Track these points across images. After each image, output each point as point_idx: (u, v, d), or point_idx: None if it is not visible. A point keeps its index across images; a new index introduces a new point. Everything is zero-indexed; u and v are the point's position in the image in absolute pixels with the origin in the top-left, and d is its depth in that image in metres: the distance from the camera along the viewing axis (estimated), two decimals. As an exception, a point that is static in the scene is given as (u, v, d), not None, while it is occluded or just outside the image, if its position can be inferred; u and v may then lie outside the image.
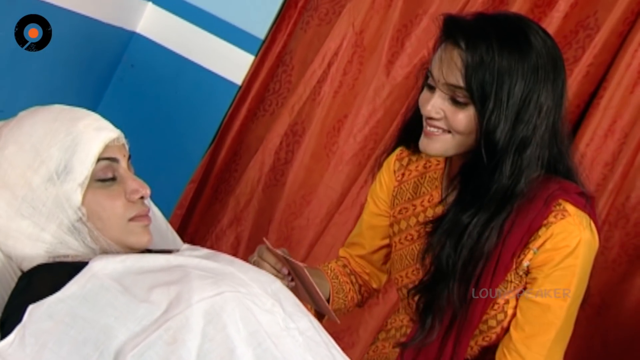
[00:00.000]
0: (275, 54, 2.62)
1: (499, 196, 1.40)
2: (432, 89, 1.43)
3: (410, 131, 1.60)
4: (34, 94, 2.28)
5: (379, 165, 1.72)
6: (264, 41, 2.61)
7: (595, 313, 2.33)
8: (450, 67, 1.39)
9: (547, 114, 1.40)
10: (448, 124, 1.42)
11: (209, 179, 2.70)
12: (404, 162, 1.66)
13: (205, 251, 1.29)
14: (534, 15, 2.41)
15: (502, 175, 1.40)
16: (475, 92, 1.37)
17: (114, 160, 1.24)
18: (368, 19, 2.56)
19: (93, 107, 2.64)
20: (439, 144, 1.45)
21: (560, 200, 1.43)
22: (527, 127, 1.39)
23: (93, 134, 1.21)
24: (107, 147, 1.22)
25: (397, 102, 2.56)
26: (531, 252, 1.43)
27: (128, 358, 1.01)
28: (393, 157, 1.68)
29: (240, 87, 2.63)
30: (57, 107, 1.26)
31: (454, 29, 1.41)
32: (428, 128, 1.45)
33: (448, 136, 1.43)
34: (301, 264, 1.42)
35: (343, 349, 2.58)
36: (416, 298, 1.54)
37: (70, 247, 1.20)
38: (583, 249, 1.42)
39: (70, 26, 2.30)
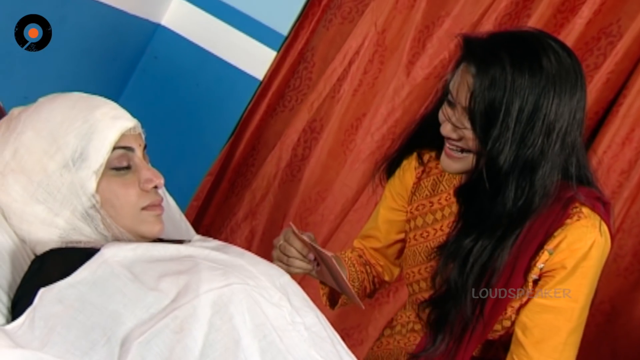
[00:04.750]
0: (297, 50, 2.62)
1: (505, 221, 1.39)
2: (452, 105, 1.43)
3: (424, 137, 1.61)
4: (58, 82, 2.30)
5: (380, 171, 1.71)
6: (286, 37, 2.61)
7: (605, 320, 2.32)
8: (462, 89, 1.39)
9: (559, 133, 1.37)
10: (466, 144, 1.42)
11: (227, 172, 2.71)
12: (425, 159, 1.65)
13: (216, 243, 1.29)
14: (556, 20, 2.39)
15: (506, 199, 1.38)
16: (478, 119, 1.36)
17: (129, 149, 1.24)
18: (390, 19, 2.55)
19: (116, 97, 2.66)
20: (460, 164, 1.45)
21: (577, 204, 1.43)
22: (534, 149, 1.36)
23: (110, 123, 1.21)
24: (123, 136, 1.23)
25: (416, 103, 2.56)
26: (546, 252, 1.43)
27: (135, 345, 1.02)
28: (414, 153, 1.67)
29: (261, 82, 2.63)
30: (76, 95, 1.26)
31: (467, 52, 1.40)
32: (448, 147, 1.45)
33: (466, 155, 1.43)
34: (329, 253, 1.42)
35: (352, 346, 2.60)
36: (427, 310, 1.53)
37: (83, 234, 1.21)
38: (596, 252, 1.42)
39: (96, 17, 2.31)
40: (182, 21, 2.66)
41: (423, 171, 1.64)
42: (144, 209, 1.24)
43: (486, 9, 2.45)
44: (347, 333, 2.68)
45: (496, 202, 1.38)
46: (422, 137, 1.63)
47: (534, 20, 2.38)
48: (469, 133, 1.39)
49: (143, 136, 1.29)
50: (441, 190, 1.60)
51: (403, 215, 1.68)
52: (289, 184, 2.68)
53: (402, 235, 1.70)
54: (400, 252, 1.73)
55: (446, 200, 1.59)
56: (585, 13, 2.34)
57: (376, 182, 1.71)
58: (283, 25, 2.61)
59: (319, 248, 1.44)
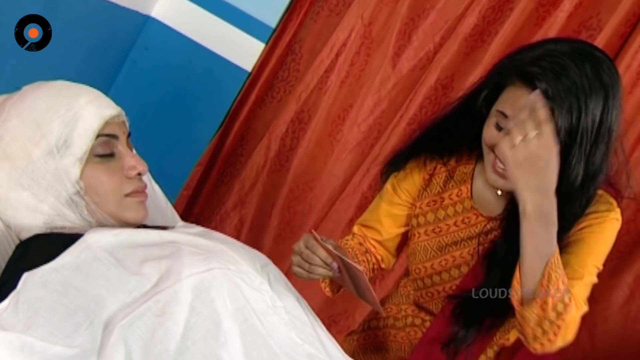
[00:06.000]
0: (285, 42, 2.62)
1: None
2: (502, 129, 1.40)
3: (440, 141, 1.61)
4: (49, 74, 2.27)
5: (384, 168, 1.70)
6: (274, 30, 2.60)
7: (584, 306, 2.34)
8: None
9: (615, 140, 1.40)
10: None
11: (216, 162, 2.71)
12: (438, 153, 1.64)
13: (199, 229, 1.29)
14: (538, 14, 2.40)
15: (571, 210, 1.39)
16: (566, 140, 1.35)
17: (113, 136, 1.24)
18: (377, 12, 2.55)
19: (107, 88, 2.66)
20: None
21: (598, 191, 1.45)
22: (599, 160, 1.38)
23: (93, 111, 1.21)
24: (106, 124, 1.22)
25: (402, 94, 2.57)
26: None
27: (117, 328, 1.02)
28: (423, 155, 1.66)
29: (250, 73, 2.62)
30: (60, 83, 1.27)
31: (530, 76, 1.35)
32: (501, 168, 1.41)
33: None
34: (360, 268, 1.37)
35: (339, 332, 2.61)
36: (453, 303, 1.54)
37: (68, 219, 1.21)
38: (612, 225, 1.45)
39: (87, 9, 2.31)
40: (172, 13, 2.65)
41: (435, 167, 1.63)
42: (127, 195, 1.24)
43: (470, 2, 2.45)
44: (334, 320, 2.70)
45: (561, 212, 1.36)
46: (436, 142, 1.62)
47: (517, 14, 2.38)
48: None
49: (127, 124, 1.29)
50: (452, 186, 1.60)
51: (405, 209, 1.67)
52: (277, 173, 2.69)
53: (403, 229, 1.70)
54: (400, 244, 1.73)
55: (457, 196, 1.59)
56: (566, 7, 2.35)
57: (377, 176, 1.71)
58: (271, 17, 2.60)
59: (349, 261, 1.39)
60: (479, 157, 1.57)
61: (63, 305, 1.04)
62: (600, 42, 2.31)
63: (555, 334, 1.39)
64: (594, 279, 1.47)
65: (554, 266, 1.35)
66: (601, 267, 1.48)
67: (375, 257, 1.74)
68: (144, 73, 2.69)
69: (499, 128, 1.41)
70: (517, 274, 1.39)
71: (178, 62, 2.68)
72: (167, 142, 2.69)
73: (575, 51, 1.37)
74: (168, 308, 1.05)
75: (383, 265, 1.77)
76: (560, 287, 1.36)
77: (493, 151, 1.43)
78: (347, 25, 2.56)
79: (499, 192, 1.53)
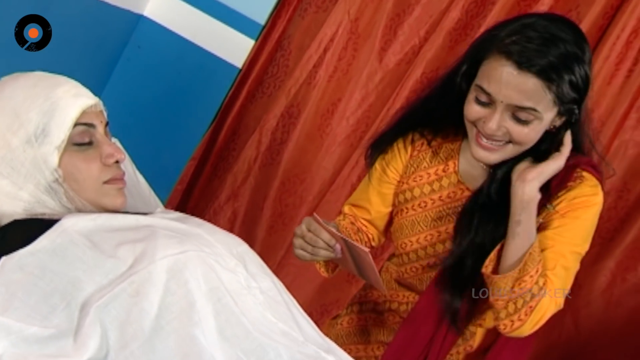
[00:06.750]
0: (275, 39, 2.64)
1: None
2: (485, 105, 1.42)
3: (424, 120, 1.63)
4: (45, 71, 2.33)
5: (369, 150, 1.71)
6: (264, 27, 2.63)
7: (568, 292, 2.37)
8: (522, 92, 1.37)
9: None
10: (511, 137, 1.42)
11: (209, 157, 2.73)
12: (424, 132, 1.65)
13: (177, 214, 1.31)
14: (520, 7, 2.42)
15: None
16: (564, 111, 1.42)
17: (90, 125, 1.25)
18: (363, 7, 2.58)
19: (101, 85, 2.70)
20: (499, 154, 1.46)
21: (579, 169, 1.48)
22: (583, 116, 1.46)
23: (71, 100, 1.22)
24: (84, 113, 1.24)
25: (389, 88, 2.59)
26: (547, 207, 1.47)
27: (93, 308, 1.04)
28: (410, 134, 1.68)
29: (241, 70, 2.66)
30: (38, 74, 1.28)
31: (518, 55, 1.36)
32: (485, 142, 1.44)
33: (509, 146, 1.44)
34: (365, 249, 1.39)
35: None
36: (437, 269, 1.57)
37: (47, 206, 1.22)
38: (594, 209, 1.48)
39: (80, 8, 2.34)
40: (164, 12, 2.68)
41: (422, 144, 1.64)
42: (106, 182, 1.25)
43: (454, -4, 2.49)
44: (326, 309, 2.73)
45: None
46: (420, 122, 1.64)
47: (498, 7, 2.40)
48: (514, 128, 1.41)
49: (105, 114, 1.30)
50: (438, 162, 1.62)
51: (392, 188, 1.68)
52: (268, 167, 2.71)
53: (390, 208, 1.71)
54: (388, 222, 1.74)
55: (444, 171, 1.61)
56: (546, 0, 2.37)
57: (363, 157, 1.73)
58: (260, 14, 2.63)
59: (353, 242, 1.41)
60: (465, 134, 1.57)
61: (40, 288, 1.06)
62: (579, 34, 2.34)
63: (526, 314, 1.41)
64: (577, 266, 1.50)
65: (534, 253, 1.40)
66: (584, 253, 1.51)
67: (367, 235, 1.75)
68: (137, 71, 2.72)
69: (479, 103, 1.42)
70: (495, 251, 1.44)
71: (171, 60, 2.71)
72: (161, 138, 2.73)
73: (549, 20, 1.41)
74: (142, 289, 1.06)
75: (374, 244, 1.78)
76: (536, 273, 1.40)
77: (475, 126, 1.45)
78: (334, 21, 2.58)
79: (484, 167, 1.55)
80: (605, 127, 2.35)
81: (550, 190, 1.46)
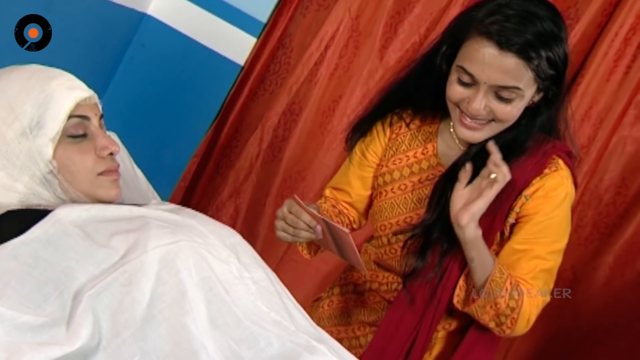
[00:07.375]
0: (276, 37, 2.65)
1: (506, 149, 1.45)
2: (468, 85, 1.43)
3: (403, 101, 1.64)
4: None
5: (349, 134, 1.71)
6: (266, 25, 2.64)
7: (568, 287, 2.37)
8: (505, 72, 1.37)
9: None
10: (494, 115, 1.43)
11: (212, 154, 2.74)
12: (402, 115, 1.65)
13: (171, 206, 1.30)
14: (519, 4, 2.43)
15: (524, 131, 1.48)
16: (544, 88, 1.43)
17: (85, 117, 1.25)
18: (364, 5, 2.58)
19: (105, 84, 2.71)
20: (484, 133, 1.46)
21: (555, 156, 1.48)
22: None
23: (65, 93, 1.23)
24: (78, 105, 1.24)
25: (389, 85, 2.60)
26: (523, 198, 1.47)
27: (86, 297, 1.04)
28: (388, 116, 1.68)
29: (243, 67, 2.66)
30: (33, 67, 1.28)
31: (497, 35, 1.37)
32: (470, 121, 1.45)
33: (492, 124, 1.45)
34: (346, 230, 1.40)
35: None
36: (409, 242, 1.57)
37: (42, 198, 1.23)
38: (568, 202, 1.49)
39: (84, 7, 2.35)
40: (167, 10, 2.69)
41: (401, 127, 1.65)
42: (100, 174, 1.26)
43: (453, -6, 2.49)
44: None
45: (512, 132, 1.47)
46: (399, 103, 1.65)
47: (498, 4, 2.41)
48: (497, 106, 1.42)
49: (99, 106, 1.30)
50: (417, 145, 1.62)
51: (372, 171, 1.69)
52: (270, 164, 2.72)
53: (370, 191, 1.71)
54: (368, 206, 1.74)
55: (423, 154, 1.61)
56: (545, -3, 2.38)
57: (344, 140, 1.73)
58: (262, 12, 2.64)
59: (334, 224, 1.41)
60: (443, 116, 1.59)
61: (33, 277, 1.07)
62: (578, 31, 2.33)
63: (512, 323, 1.46)
64: (559, 260, 1.51)
65: (496, 279, 1.43)
66: (564, 246, 1.51)
67: (348, 218, 1.76)
68: (141, 69, 2.73)
69: (461, 83, 1.43)
70: (460, 281, 1.49)
71: (174, 58, 2.72)
72: (164, 135, 2.74)
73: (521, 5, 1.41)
74: (134, 278, 1.07)
75: (355, 226, 1.79)
76: (506, 292, 1.43)
77: (459, 107, 1.46)
78: (335, 19, 2.59)
79: (462, 148, 1.56)
80: (603, 123, 2.34)
81: (526, 177, 1.47)
